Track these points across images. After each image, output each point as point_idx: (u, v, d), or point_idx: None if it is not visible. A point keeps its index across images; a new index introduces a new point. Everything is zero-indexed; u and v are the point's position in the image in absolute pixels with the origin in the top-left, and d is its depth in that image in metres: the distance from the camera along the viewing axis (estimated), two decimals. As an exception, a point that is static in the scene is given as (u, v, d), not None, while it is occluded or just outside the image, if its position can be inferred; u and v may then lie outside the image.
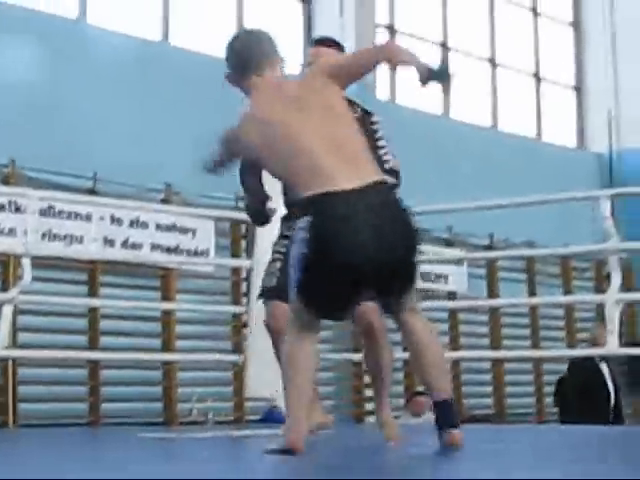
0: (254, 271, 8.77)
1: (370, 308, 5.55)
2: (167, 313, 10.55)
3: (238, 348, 10.23)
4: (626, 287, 8.99)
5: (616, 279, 8.00)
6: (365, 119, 5.71)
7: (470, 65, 15.67)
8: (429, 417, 7.32)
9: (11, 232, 9.72)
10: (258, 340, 8.61)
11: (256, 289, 8.62)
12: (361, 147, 4.84)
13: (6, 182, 9.92)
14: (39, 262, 8.69)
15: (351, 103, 5.56)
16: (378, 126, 5.81)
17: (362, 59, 5.00)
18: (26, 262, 8.08)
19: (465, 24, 15.76)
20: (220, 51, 4.98)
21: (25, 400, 9.69)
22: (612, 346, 7.84)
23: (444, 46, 15.15)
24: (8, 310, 7.86)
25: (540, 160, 15.13)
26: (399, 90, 13.95)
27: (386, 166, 5.54)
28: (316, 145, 4.70)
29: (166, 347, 10.55)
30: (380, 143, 5.73)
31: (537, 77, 16.69)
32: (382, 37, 14.36)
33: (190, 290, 11.07)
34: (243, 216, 10.34)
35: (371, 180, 4.65)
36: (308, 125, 4.74)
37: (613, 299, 7.91)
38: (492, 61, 15.90)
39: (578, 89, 17.24)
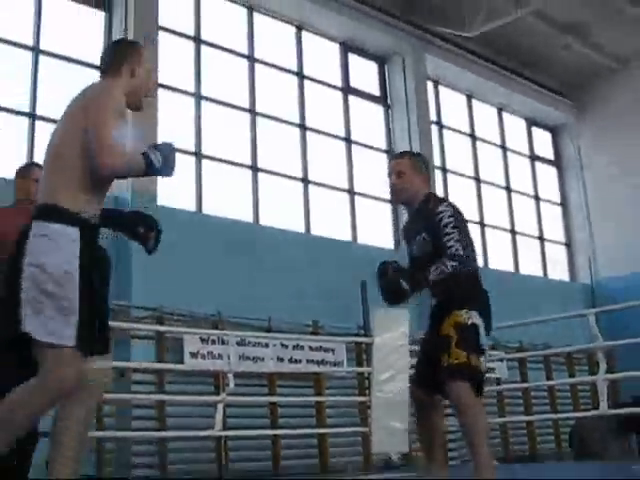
0: (373, 374, 8.88)
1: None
2: (319, 403, 10.43)
3: (364, 422, 10.01)
4: (610, 371, 8.92)
5: (603, 365, 8.02)
6: (432, 211, 4.47)
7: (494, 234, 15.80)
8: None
9: (220, 357, 9.78)
10: (380, 416, 8.69)
11: (377, 385, 8.77)
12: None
13: (215, 326, 10.03)
14: (239, 374, 8.77)
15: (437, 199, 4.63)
16: (442, 215, 4.38)
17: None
18: (230, 376, 8.28)
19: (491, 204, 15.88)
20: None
21: (232, 460, 9.68)
22: (604, 408, 7.87)
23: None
24: (220, 406, 8.02)
25: (547, 289, 15.23)
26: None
27: (448, 252, 4.30)
28: None
29: (320, 424, 10.36)
30: (445, 231, 4.34)
31: (541, 239, 16.83)
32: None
33: (332, 386, 10.97)
34: (363, 339, 10.57)
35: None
36: None
37: (602, 378, 7.92)
38: (513, 231, 16.08)
39: (568, 245, 17.33)
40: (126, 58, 3.51)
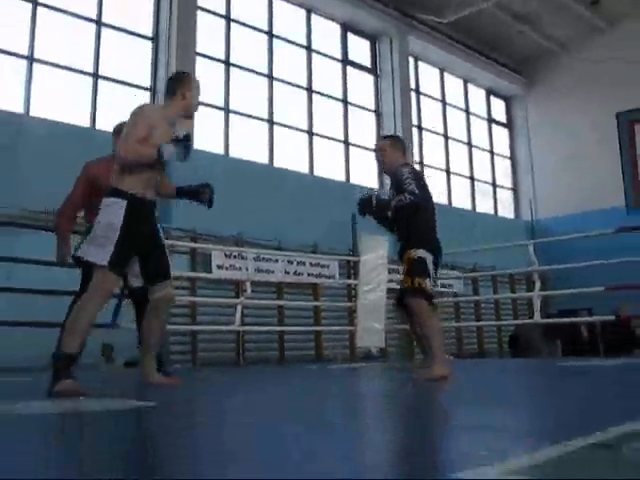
0: (359, 285, 8.79)
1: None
2: (316, 307, 10.40)
3: (351, 323, 10.04)
4: (543, 289, 8.80)
5: (537, 284, 7.92)
6: (398, 171, 4.51)
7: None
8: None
9: (240, 268, 9.76)
10: (363, 318, 8.61)
11: (362, 294, 8.66)
12: None
13: (236, 244, 9.99)
14: (254, 283, 8.78)
15: (404, 165, 4.62)
16: (402, 172, 4.44)
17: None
18: (247, 284, 8.19)
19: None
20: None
21: (248, 350, 9.73)
22: (537, 317, 7.77)
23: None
24: (239, 307, 8.00)
25: (496, 224, 15.01)
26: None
27: (406, 190, 4.37)
28: None
29: (316, 323, 10.37)
30: (405, 181, 4.38)
31: (494, 185, 16.57)
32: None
33: (327, 294, 10.95)
34: (351, 258, 10.46)
35: None
36: None
37: (537, 295, 7.83)
38: (472, 178, 15.83)
39: (515, 190, 17.05)
40: (180, 86, 3.92)
